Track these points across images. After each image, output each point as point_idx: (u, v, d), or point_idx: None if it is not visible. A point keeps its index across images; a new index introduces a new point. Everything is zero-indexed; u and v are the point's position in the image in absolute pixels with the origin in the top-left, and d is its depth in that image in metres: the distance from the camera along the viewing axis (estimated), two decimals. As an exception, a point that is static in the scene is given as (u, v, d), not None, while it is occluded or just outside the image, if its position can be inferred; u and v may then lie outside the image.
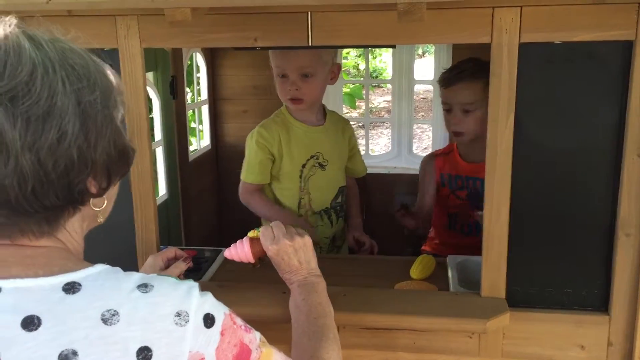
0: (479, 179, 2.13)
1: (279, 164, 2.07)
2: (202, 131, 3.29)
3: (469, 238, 2.18)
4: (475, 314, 1.43)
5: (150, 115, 2.75)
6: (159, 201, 2.52)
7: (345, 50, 6.18)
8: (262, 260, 1.80)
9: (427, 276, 1.71)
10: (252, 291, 1.55)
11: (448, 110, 2.10)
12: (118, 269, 0.86)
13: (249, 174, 2.08)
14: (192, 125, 3.47)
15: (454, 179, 2.24)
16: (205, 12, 1.35)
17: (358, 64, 7.78)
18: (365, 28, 1.37)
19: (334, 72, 2.04)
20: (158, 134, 2.60)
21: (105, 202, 0.89)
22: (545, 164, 1.42)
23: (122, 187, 1.53)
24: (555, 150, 1.41)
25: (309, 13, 1.37)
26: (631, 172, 1.37)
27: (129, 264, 1.58)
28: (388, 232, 2.40)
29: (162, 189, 2.66)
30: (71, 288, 0.79)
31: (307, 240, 1.38)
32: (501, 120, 1.38)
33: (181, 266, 1.44)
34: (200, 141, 3.24)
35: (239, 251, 1.45)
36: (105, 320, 0.77)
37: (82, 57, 0.83)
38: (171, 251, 1.48)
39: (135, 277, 0.84)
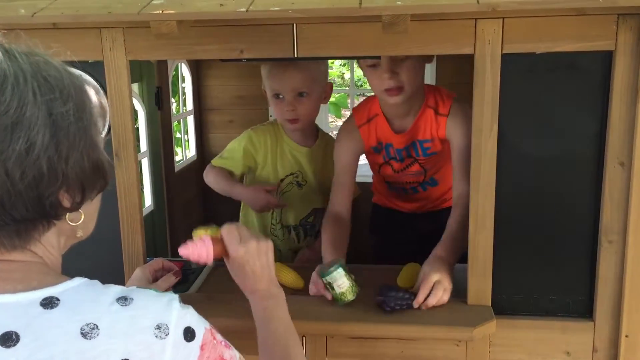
0: (411, 145, 1.90)
1: (260, 172, 2.12)
2: (187, 141, 3.28)
3: (415, 195, 2.08)
4: (461, 322, 1.45)
5: (136, 126, 2.75)
6: (144, 212, 2.51)
7: (329, 60, 6.21)
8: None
9: (414, 284, 1.72)
10: (240, 303, 1.53)
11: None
12: (96, 281, 0.85)
13: (221, 160, 2.11)
14: (178, 135, 3.47)
15: (386, 148, 1.94)
16: (191, 24, 1.35)
17: (343, 74, 7.81)
18: (350, 39, 1.39)
19: (327, 91, 2.08)
20: (144, 145, 2.59)
21: (83, 216, 0.87)
22: (529, 173, 1.44)
23: (108, 199, 1.54)
24: (538, 159, 1.43)
25: (294, 25, 1.38)
26: (613, 180, 1.39)
27: (116, 275, 1.57)
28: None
29: (148, 199, 2.65)
30: (49, 303, 0.78)
31: (270, 245, 1.23)
32: (485, 130, 1.40)
33: (170, 279, 1.43)
34: (185, 151, 3.23)
35: (200, 250, 1.23)
36: (84, 334, 0.76)
37: (58, 70, 0.82)
38: (158, 263, 1.48)
39: (114, 290, 0.83)
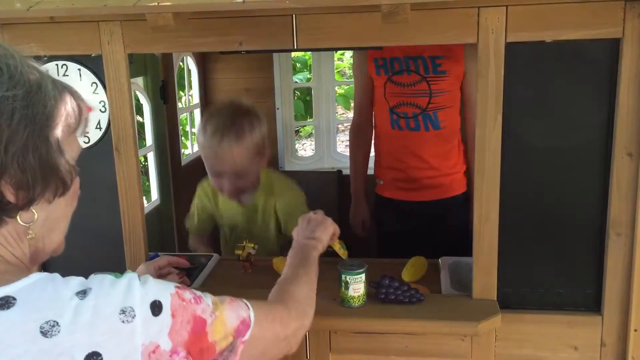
0: (420, 58, 1.97)
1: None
2: (195, 134, 3.27)
3: (416, 135, 2.08)
4: (466, 317, 1.42)
5: (142, 121, 2.74)
6: (151, 206, 2.51)
7: (339, 52, 6.17)
8: (253, 265, 1.80)
9: (419, 278, 1.70)
10: (243, 296, 1.53)
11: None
12: (56, 275, 0.82)
13: (190, 224, 2.14)
14: (187, 129, 3.46)
15: (390, 62, 2.04)
16: (188, 17, 1.34)
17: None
18: (350, 30, 1.36)
19: (268, 156, 1.99)
20: (149, 139, 2.59)
21: (36, 216, 0.84)
22: (535, 164, 1.41)
23: (110, 194, 1.54)
24: (544, 150, 1.40)
25: (294, 16, 1.36)
26: (620, 171, 1.36)
27: (118, 270, 1.55)
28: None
29: (155, 194, 2.64)
30: (5, 303, 0.75)
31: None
32: (489, 121, 1.37)
33: (173, 279, 1.42)
34: (194, 145, 3.22)
35: None
36: (44, 333, 0.74)
37: (15, 60, 0.79)
38: (164, 260, 1.46)
39: (74, 283, 0.80)
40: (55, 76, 0.86)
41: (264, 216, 2.03)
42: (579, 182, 1.41)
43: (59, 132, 0.82)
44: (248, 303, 1.02)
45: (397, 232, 2.22)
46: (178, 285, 0.89)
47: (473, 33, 1.33)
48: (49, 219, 0.86)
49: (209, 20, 1.39)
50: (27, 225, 0.83)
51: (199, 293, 0.92)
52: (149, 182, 2.65)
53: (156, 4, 1.22)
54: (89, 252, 1.55)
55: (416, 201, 2.18)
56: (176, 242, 2.77)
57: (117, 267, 1.57)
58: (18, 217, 0.82)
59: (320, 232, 1.43)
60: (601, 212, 1.41)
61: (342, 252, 1.53)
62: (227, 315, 0.94)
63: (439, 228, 2.12)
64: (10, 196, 0.79)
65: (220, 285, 1.68)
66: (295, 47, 1.37)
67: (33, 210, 0.83)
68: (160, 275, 1.43)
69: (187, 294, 0.89)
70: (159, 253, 1.72)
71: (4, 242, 0.83)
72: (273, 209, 2.02)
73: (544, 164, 1.41)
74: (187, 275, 1.65)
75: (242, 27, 1.39)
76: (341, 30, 1.36)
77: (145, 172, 2.96)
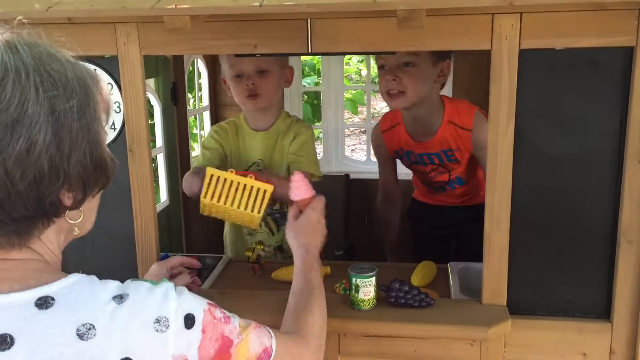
0: (433, 154, 2.09)
1: (228, 166, 2.01)
2: (203, 137, 3.28)
3: (443, 194, 2.26)
4: (476, 322, 1.43)
5: (152, 122, 2.75)
6: (160, 207, 2.52)
7: (346, 57, 6.18)
8: (262, 266, 1.81)
9: (429, 283, 1.70)
10: (252, 298, 1.54)
11: (382, 66, 1.94)
12: (93, 277, 0.83)
13: (197, 160, 2.06)
14: (195, 131, 3.47)
15: (406, 154, 2.17)
16: (204, 19, 1.35)
17: (360, 70, 7.77)
18: (365, 35, 1.37)
19: (287, 74, 2.01)
20: (159, 140, 2.60)
21: (82, 214, 0.85)
22: (546, 171, 1.42)
23: (122, 194, 1.54)
24: (556, 157, 1.41)
25: (309, 20, 1.37)
26: (632, 179, 1.36)
27: (129, 270, 1.58)
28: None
29: (163, 195, 2.65)
30: (44, 303, 0.76)
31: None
32: (502, 127, 1.38)
33: (186, 278, 1.43)
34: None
35: (307, 187, 1.47)
36: (81, 336, 0.75)
37: (61, 64, 0.79)
38: (177, 260, 1.47)
39: (111, 287, 0.81)
40: (88, 66, 0.86)
41: (281, 142, 2.01)
42: (590, 189, 1.42)
43: (101, 129, 0.84)
44: (271, 332, 1.03)
45: (430, 237, 2.31)
46: (210, 302, 0.90)
47: (487, 39, 1.33)
48: (88, 210, 0.88)
49: (224, 23, 1.40)
50: (73, 222, 0.84)
51: (228, 313, 0.93)
52: (157, 183, 2.66)
53: (174, 6, 1.23)
54: (101, 251, 1.56)
55: (449, 205, 2.28)
56: (184, 243, 2.78)
57: (129, 267, 1.59)
58: (66, 215, 0.83)
59: (318, 240, 1.41)
60: (612, 219, 1.41)
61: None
62: (251, 340, 0.96)
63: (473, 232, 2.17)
64: (67, 201, 0.81)
65: (230, 287, 1.69)
66: (310, 51, 1.38)
67: (81, 209, 0.85)
68: (173, 275, 1.44)
69: (218, 312, 0.90)
70: (168, 254, 1.73)
71: (47, 242, 0.84)
72: (286, 136, 2.01)
73: (556, 170, 1.42)
74: (197, 276, 1.66)
75: (258, 30, 1.39)
76: (356, 35, 1.37)
77: (154, 173, 2.96)
